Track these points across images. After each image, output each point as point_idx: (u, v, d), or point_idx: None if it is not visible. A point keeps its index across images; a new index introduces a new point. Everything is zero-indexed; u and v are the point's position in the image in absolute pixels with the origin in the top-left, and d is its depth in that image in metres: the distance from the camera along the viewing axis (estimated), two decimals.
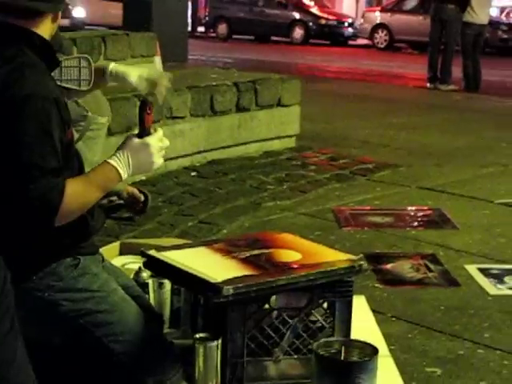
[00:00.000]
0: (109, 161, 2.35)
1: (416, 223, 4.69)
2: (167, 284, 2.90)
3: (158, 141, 2.41)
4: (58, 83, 2.54)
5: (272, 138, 6.48)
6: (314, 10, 24.59)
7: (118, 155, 2.35)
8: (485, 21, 11.36)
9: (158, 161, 2.42)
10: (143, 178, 5.19)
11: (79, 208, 2.27)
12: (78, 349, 2.41)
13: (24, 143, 2.17)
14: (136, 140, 2.39)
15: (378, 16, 23.28)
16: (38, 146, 2.18)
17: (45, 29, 2.36)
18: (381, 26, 22.81)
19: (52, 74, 2.44)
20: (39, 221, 2.20)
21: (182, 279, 2.58)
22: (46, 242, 2.31)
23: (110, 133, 4.53)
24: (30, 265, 2.31)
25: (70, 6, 22.19)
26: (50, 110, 2.22)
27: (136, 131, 2.44)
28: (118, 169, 2.33)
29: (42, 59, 2.33)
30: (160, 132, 2.44)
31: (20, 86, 2.20)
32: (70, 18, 22.33)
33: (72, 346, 2.41)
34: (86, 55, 2.76)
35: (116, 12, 21.26)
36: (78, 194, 2.24)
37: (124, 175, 2.35)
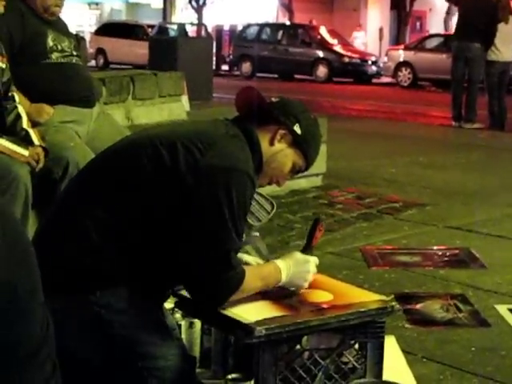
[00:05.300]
0: (277, 262, 2.49)
1: (444, 263, 4.66)
2: (197, 323, 2.90)
3: (314, 264, 2.57)
4: None
5: (299, 177, 6.47)
6: (338, 49, 24.76)
7: (284, 261, 2.50)
8: (509, 58, 11.14)
9: (308, 281, 2.56)
10: None
11: (243, 293, 2.40)
12: (114, 374, 2.39)
13: (225, 218, 2.27)
14: (300, 254, 2.55)
15: (401, 54, 23.39)
16: (237, 224, 2.30)
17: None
18: (404, 64, 22.91)
19: None
20: (208, 297, 2.37)
21: (214, 319, 2.58)
22: (124, 265, 2.33)
23: None
24: (98, 280, 2.30)
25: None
26: (251, 191, 2.34)
27: None
28: (282, 273, 2.47)
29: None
30: (316, 259, 2.60)
31: (232, 159, 2.33)
32: None
33: (109, 371, 2.39)
34: (272, 201, 2.92)
35: (141, 51, 21.58)
36: (249, 283, 2.39)
37: (283, 280, 2.49)
